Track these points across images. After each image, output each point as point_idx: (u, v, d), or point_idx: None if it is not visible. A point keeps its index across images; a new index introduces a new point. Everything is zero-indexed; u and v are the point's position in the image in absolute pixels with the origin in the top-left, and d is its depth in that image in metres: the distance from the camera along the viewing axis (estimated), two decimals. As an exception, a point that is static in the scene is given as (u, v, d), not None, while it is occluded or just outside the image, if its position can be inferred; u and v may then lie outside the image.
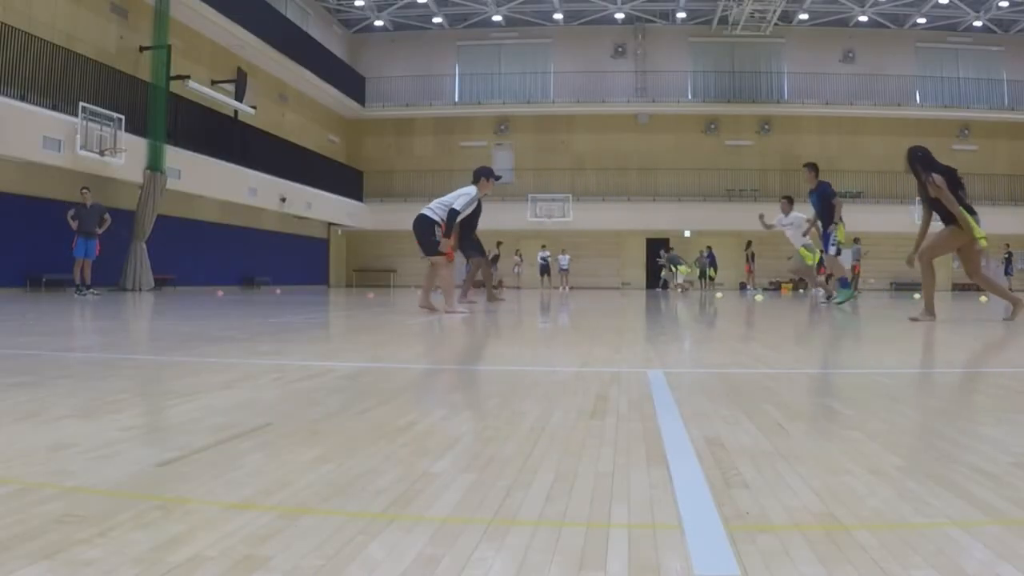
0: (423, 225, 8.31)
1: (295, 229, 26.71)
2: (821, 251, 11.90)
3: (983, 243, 7.35)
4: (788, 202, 12.40)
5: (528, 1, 30.57)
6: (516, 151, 31.88)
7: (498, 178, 8.84)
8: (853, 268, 22.97)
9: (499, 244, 26.16)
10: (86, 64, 15.77)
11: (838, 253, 11.10)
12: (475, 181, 8.64)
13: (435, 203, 8.43)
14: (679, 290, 24.77)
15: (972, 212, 7.44)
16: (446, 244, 8.27)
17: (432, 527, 1.25)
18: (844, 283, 11.60)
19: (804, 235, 12.24)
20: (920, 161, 7.52)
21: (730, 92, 30.81)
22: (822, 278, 13.22)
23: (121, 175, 16.18)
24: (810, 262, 12.41)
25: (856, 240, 23.58)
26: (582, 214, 29.69)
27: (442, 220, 8.23)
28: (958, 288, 28.32)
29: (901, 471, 1.65)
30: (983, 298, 14.53)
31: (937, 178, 7.32)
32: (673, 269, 26.64)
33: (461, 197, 8.35)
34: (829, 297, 12.20)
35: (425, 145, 32.25)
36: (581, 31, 31.78)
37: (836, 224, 10.93)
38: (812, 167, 11.09)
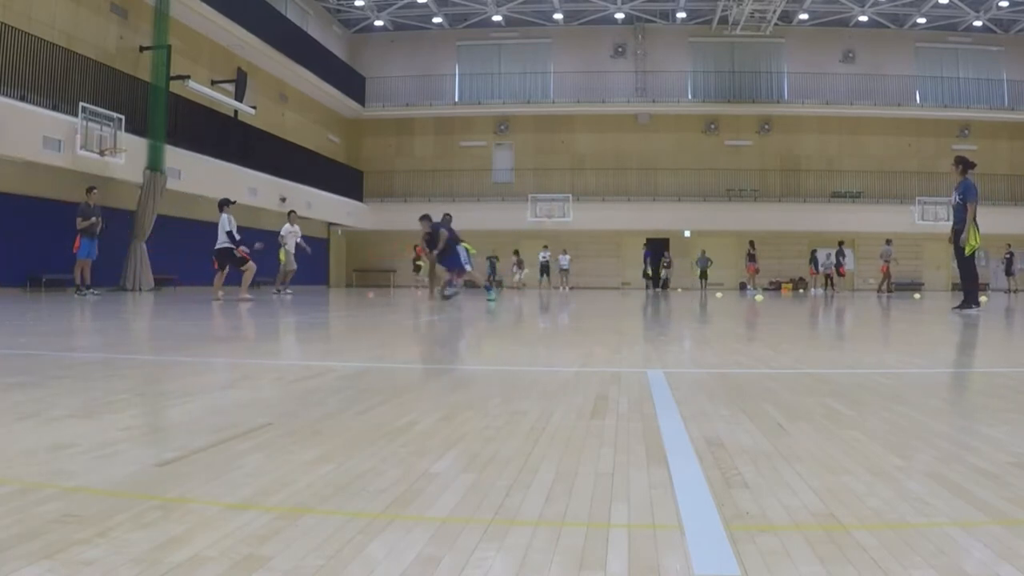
0: None
1: (295, 229, 26.69)
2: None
3: None
4: (296, 214, 17.41)
5: (528, 1, 30.53)
6: (516, 151, 31.87)
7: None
8: (881, 268, 23.56)
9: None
10: (86, 64, 15.76)
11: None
12: None
13: None
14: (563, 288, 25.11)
15: None
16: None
17: (432, 527, 1.25)
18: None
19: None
20: None
21: (730, 92, 30.77)
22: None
23: (121, 175, 16.16)
24: (285, 262, 16.54)
25: (888, 241, 23.99)
26: (582, 214, 29.65)
27: None
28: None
29: (901, 471, 1.65)
30: (983, 298, 14.51)
31: None
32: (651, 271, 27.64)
33: None
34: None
35: (425, 145, 32.23)
36: (581, 31, 31.75)
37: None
38: None
